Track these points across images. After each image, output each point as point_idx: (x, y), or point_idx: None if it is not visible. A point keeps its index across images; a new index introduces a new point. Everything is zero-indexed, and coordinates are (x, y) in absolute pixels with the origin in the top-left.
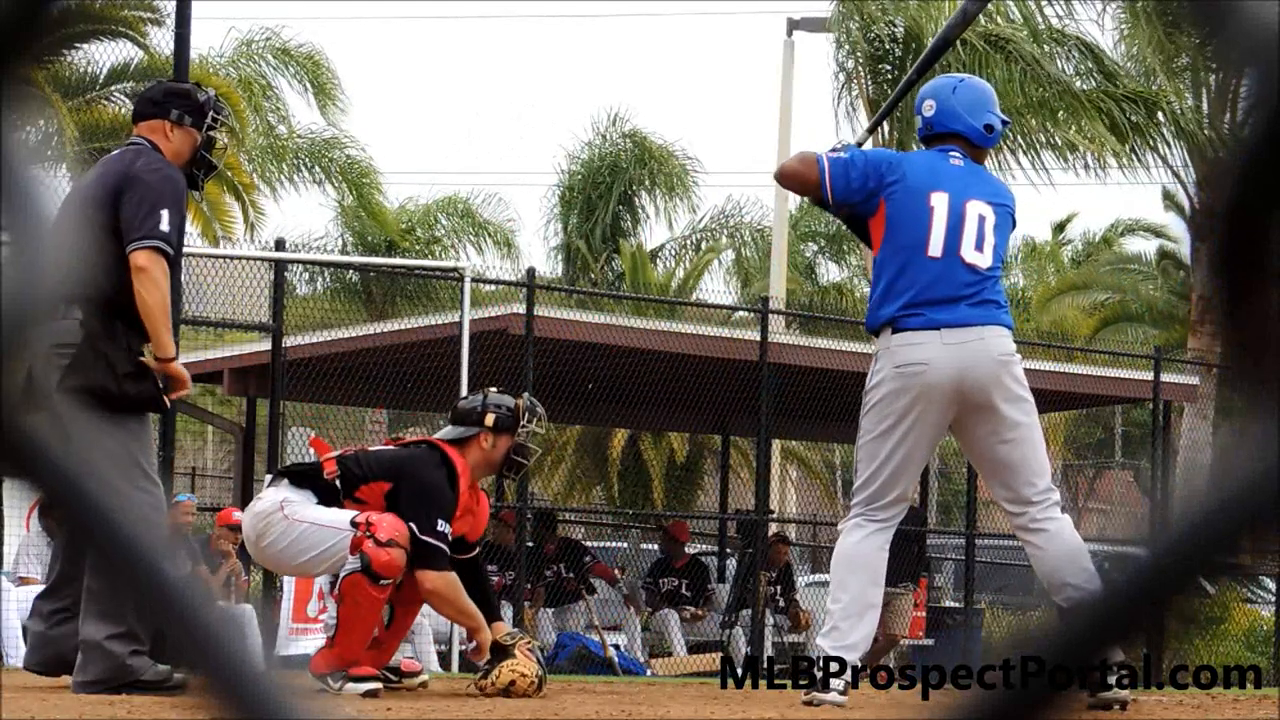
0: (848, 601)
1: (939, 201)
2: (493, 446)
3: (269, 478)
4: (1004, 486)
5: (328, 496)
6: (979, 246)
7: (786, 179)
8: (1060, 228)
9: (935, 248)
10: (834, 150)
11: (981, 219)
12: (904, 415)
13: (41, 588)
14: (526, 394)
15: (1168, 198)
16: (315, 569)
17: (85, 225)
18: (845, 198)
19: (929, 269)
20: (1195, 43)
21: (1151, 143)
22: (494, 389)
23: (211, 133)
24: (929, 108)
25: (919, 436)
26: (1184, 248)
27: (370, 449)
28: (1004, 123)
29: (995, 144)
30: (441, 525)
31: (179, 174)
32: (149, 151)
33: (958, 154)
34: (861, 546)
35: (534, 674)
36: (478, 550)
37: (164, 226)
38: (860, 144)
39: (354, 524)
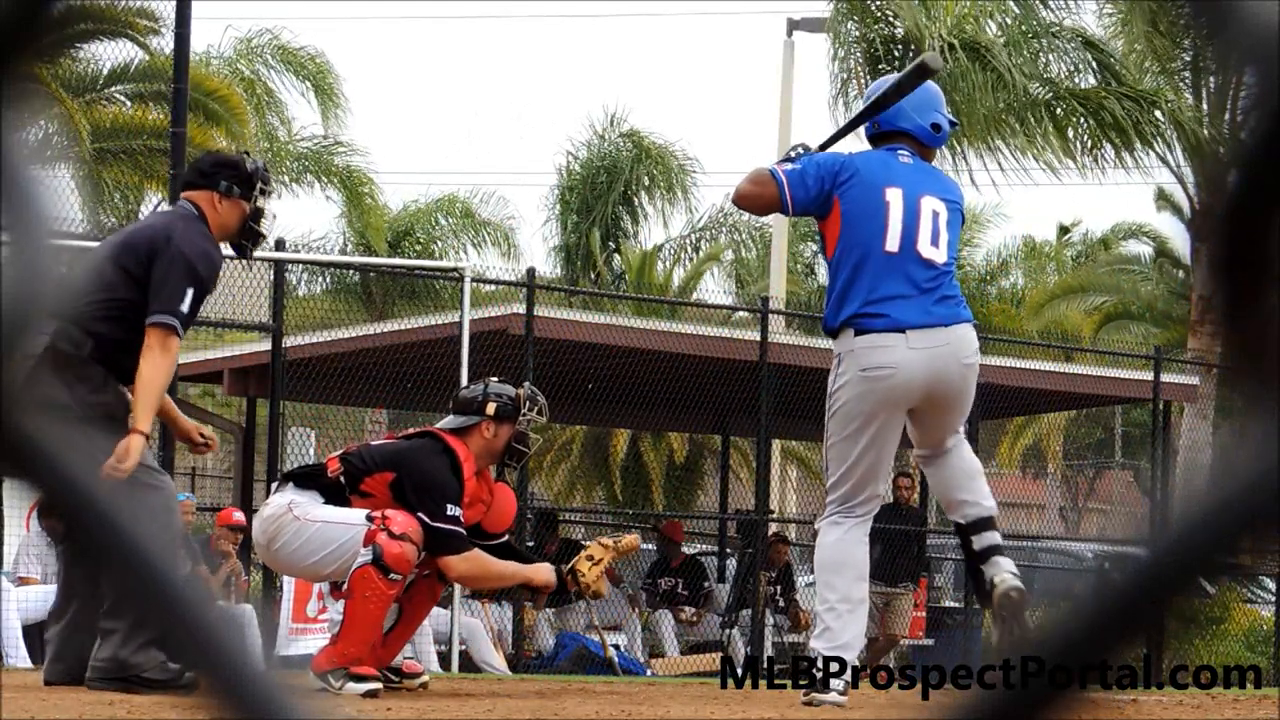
0: (835, 601)
1: (894, 197)
2: (494, 435)
3: (274, 485)
4: (924, 441)
5: (333, 495)
6: (934, 242)
7: (745, 201)
8: (1066, 230)
9: (892, 242)
10: (788, 158)
11: (935, 215)
12: (872, 418)
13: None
14: (527, 383)
15: (1163, 198)
16: (328, 568)
17: (110, 264)
18: (805, 207)
19: (887, 264)
20: (1177, 44)
21: (1155, 146)
22: (494, 378)
23: (260, 203)
24: None
25: (887, 436)
26: (1183, 247)
27: (371, 444)
28: (951, 123)
29: (942, 143)
30: (452, 510)
31: (218, 252)
32: (195, 221)
33: (906, 152)
34: (842, 544)
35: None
36: (506, 538)
37: (184, 307)
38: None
39: (369, 518)
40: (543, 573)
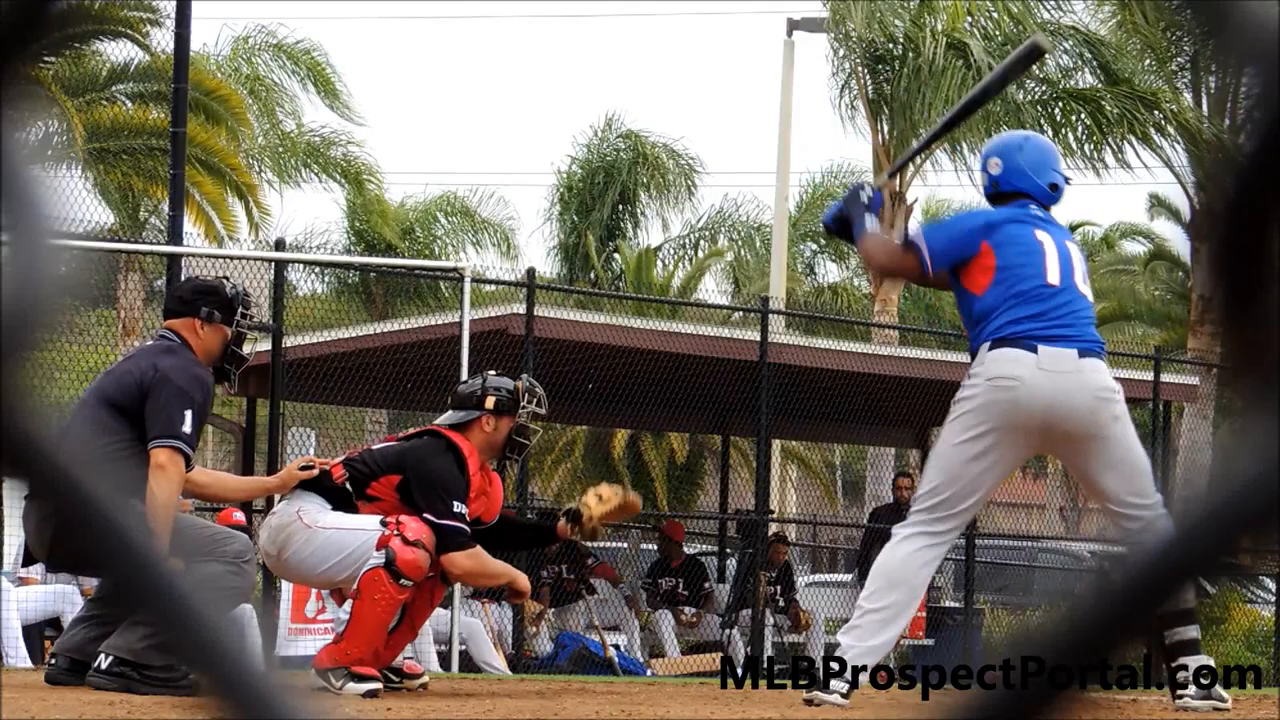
0: (882, 608)
1: (1045, 239)
2: (494, 429)
3: (277, 495)
4: (1095, 492)
5: (340, 501)
6: (1085, 281)
7: (887, 273)
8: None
9: (1053, 277)
10: (860, 201)
11: (1081, 259)
12: (990, 430)
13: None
14: (525, 375)
15: (1158, 203)
16: (340, 575)
17: (104, 409)
18: (944, 262)
19: (1049, 296)
20: (1174, 44)
21: (1154, 145)
22: (492, 372)
23: (240, 327)
24: (995, 166)
25: (998, 456)
26: (1182, 248)
27: (374, 447)
28: (1067, 180)
29: (1058, 202)
30: (458, 507)
31: (207, 374)
32: (180, 349)
33: (1034, 206)
34: (912, 560)
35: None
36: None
37: (186, 428)
38: (880, 187)
39: (383, 523)
40: (523, 580)
